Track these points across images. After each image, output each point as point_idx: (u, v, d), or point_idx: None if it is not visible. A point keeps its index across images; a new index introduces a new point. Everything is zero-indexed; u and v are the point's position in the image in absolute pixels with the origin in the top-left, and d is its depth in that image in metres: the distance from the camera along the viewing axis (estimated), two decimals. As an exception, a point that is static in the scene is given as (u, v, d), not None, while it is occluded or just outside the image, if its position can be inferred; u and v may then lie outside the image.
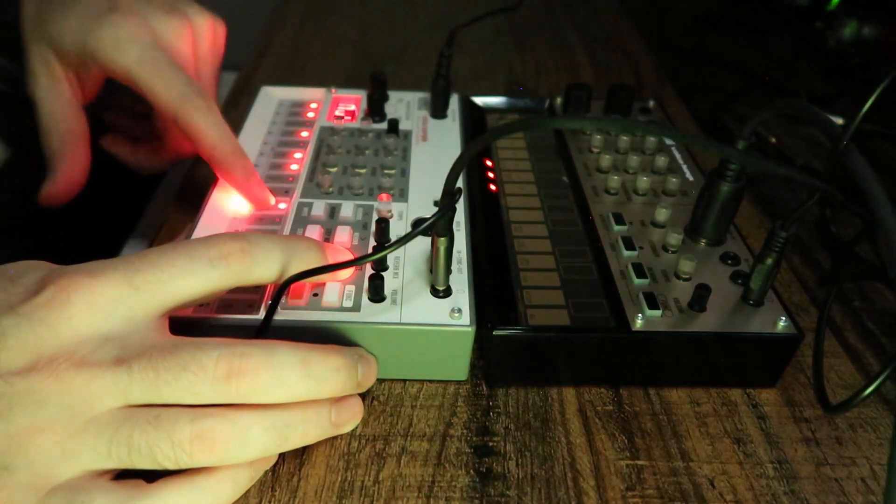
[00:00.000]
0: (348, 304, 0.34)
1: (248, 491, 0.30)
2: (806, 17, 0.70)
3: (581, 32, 0.81)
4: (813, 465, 0.33)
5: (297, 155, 0.46)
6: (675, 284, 0.37)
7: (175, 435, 0.25)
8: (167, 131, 0.45)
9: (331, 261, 0.33)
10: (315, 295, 0.34)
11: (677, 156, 0.49)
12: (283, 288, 0.31)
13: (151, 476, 0.26)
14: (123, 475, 0.26)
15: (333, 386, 0.28)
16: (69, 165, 0.40)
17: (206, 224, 0.39)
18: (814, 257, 0.47)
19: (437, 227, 0.32)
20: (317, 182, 0.43)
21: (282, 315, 0.33)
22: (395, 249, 0.32)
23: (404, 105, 0.53)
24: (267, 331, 0.32)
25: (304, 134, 0.48)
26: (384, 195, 0.42)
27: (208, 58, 0.44)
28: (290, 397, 0.27)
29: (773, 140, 0.56)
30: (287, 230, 0.39)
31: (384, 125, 0.50)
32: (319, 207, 0.40)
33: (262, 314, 0.33)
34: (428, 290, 0.35)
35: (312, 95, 0.53)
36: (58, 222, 0.50)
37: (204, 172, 0.43)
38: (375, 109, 0.50)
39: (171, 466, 0.25)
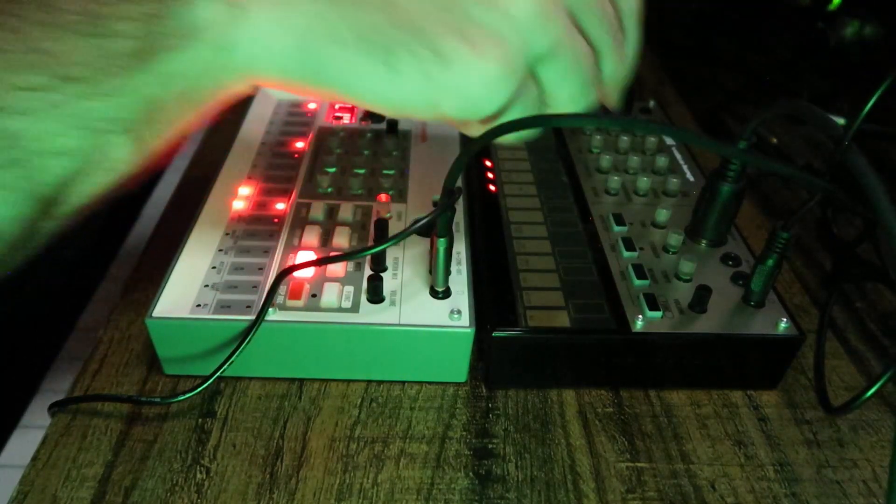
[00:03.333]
0: (347, 304, 0.34)
1: (247, 493, 0.30)
2: (807, 17, 0.69)
3: (581, 32, 0.80)
4: (814, 467, 0.33)
5: (296, 155, 0.46)
6: (676, 286, 0.37)
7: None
8: None
9: None
10: (314, 296, 0.34)
11: (678, 156, 0.48)
12: (276, 283, 0.32)
13: None
14: None
15: None
16: None
17: (203, 225, 0.39)
18: (815, 258, 0.47)
19: (436, 227, 0.32)
20: (315, 182, 0.43)
21: (279, 315, 0.33)
22: (391, 245, 0.32)
23: (403, 105, 0.52)
24: (258, 328, 0.32)
25: (303, 135, 0.48)
26: (383, 196, 0.42)
27: None
28: None
29: (774, 140, 0.56)
30: (285, 231, 0.39)
31: (383, 125, 0.49)
32: (318, 208, 0.40)
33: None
34: (427, 291, 0.35)
35: (311, 95, 0.53)
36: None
37: (201, 173, 0.43)
38: (374, 110, 0.50)
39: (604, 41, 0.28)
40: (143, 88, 0.23)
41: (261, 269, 0.36)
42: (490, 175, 0.46)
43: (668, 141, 0.50)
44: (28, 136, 0.22)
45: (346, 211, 0.40)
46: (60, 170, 0.23)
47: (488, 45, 0.25)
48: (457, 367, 0.35)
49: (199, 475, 0.31)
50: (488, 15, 0.25)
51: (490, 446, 0.33)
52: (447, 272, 0.34)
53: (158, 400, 0.33)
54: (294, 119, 0.50)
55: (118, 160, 0.24)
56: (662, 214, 0.41)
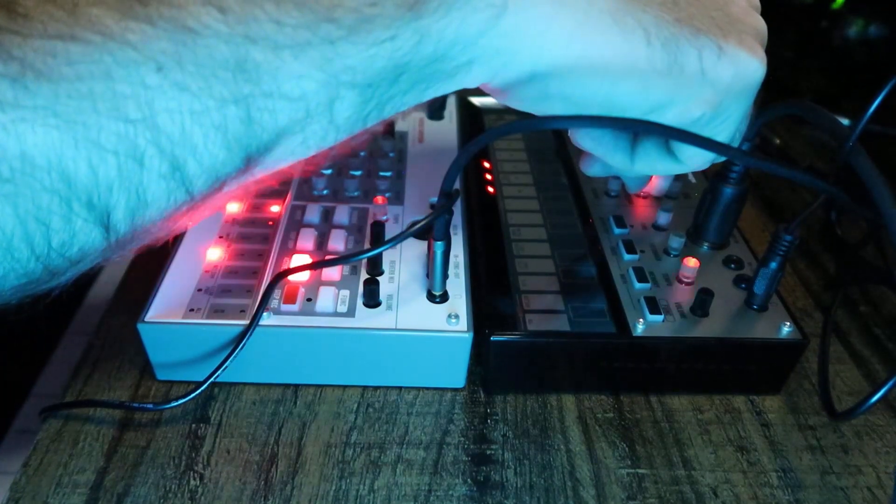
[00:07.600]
0: (343, 309, 0.34)
1: (241, 500, 0.30)
2: (811, 16, 0.69)
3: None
4: (818, 473, 0.32)
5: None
6: (677, 289, 0.36)
7: None
8: None
9: None
10: (309, 300, 0.34)
11: (679, 157, 0.48)
12: (270, 287, 0.32)
13: None
14: None
15: None
16: None
17: (197, 228, 0.38)
18: (819, 261, 0.46)
19: (433, 230, 0.32)
20: (311, 184, 0.42)
21: (274, 320, 0.33)
22: (388, 248, 0.32)
23: (402, 106, 0.52)
24: (252, 333, 0.32)
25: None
26: (379, 198, 0.41)
27: None
28: None
29: (778, 141, 0.55)
30: (280, 233, 0.38)
31: (380, 126, 0.49)
32: (313, 210, 0.40)
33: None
34: (424, 295, 0.35)
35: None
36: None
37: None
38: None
39: None
40: (397, 44, 0.22)
41: (255, 272, 0.35)
42: (488, 177, 0.45)
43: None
44: (266, 72, 0.21)
45: (342, 213, 0.40)
46: (283, 117, 0.22)
47: (757, 46, 0.27)
48: (455, 372, 0.35)
49: (192, 482, 0.30)
50: (746, 26, 0.27)
51: (488, 452, 0.32)
52: (445, 276, 0.34)
53: (151, 406, 0.33)
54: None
55: (336, 120, 0.23)
56: (664, 217, 0.41)
